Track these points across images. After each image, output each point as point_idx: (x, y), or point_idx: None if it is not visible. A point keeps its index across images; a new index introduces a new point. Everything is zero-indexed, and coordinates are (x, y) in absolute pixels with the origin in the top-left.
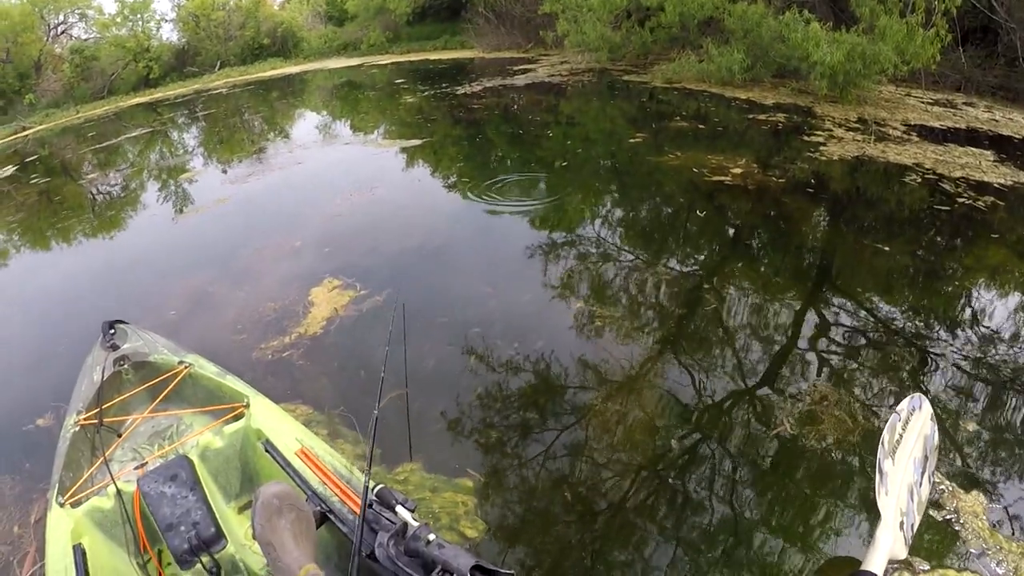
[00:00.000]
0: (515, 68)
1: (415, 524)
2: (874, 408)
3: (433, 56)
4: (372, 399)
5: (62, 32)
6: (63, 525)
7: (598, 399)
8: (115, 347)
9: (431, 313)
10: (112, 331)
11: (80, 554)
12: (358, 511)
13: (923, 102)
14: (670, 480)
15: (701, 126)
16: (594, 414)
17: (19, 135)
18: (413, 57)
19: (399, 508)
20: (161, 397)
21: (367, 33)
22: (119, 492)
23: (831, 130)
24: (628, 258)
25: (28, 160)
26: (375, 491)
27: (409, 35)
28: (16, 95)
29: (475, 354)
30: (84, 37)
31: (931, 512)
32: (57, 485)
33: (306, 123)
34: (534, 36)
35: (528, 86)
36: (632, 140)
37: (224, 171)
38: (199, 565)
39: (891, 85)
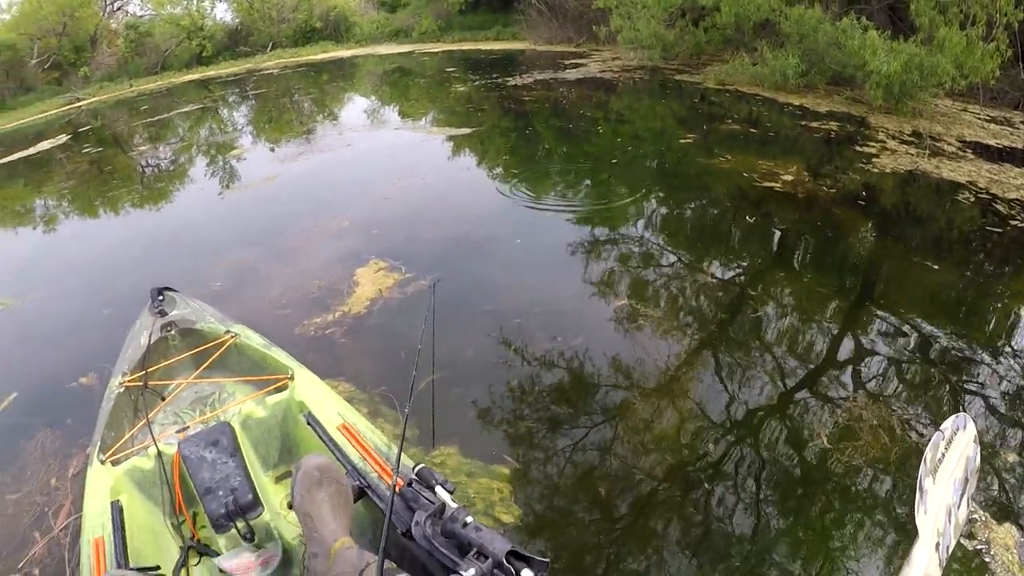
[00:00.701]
0: (566, 62)
1: (453, 506)
2: (913, 427)
3: (484, 46)
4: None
5: (118, 8)
6: (103, 481)
7: (637, 397)
8: (163, 313)
9: (474, 301)
10: (161, 297)
11: (117, 510)
12: (396, 488)
13: (979, 118)
14: (703, 485)
15: (752, 130)
16: (632, 412)
17: (73, 106)
18: (464, 46)
19: (439, 489)
20: (206, 364)
21: (419, 20)
22: (159, 453)
23: (884, 142)
24: (673, 259)
25: (81, 130)
26: (416, 470)
27: (461, 24)
28: (71, 67)
29: (516, 344)
30: (139, 14)
31: (961, 540)
32: (99, 443)
33: (355, 107)
34: (586, 31)
35: (579, 81)
36: (682, 140)
37: (273, 150)
38: (234, 530)
39: (948, 99)
